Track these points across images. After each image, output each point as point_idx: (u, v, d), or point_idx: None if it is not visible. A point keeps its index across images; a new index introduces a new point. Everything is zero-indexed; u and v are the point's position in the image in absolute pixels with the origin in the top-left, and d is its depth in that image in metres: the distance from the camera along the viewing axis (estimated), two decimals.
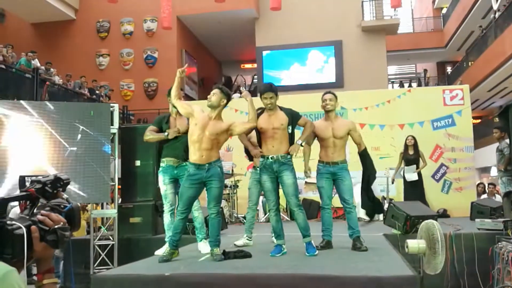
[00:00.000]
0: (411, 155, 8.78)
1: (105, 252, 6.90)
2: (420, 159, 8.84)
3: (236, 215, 9.60)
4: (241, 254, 4.66)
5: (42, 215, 1.20)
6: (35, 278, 1.33)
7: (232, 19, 17.21)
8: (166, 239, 5.25)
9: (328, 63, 17.08)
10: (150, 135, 5.25)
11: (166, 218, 5.22)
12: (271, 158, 4.72)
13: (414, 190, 8.68)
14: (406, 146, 8.86)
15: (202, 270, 4.11)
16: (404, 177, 8.93)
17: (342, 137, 5.19)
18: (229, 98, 4.72)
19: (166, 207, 5.20)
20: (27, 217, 1.20)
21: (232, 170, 9.85)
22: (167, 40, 16.81)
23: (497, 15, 16.19)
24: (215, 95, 4.60)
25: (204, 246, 5.01)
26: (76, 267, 6.99)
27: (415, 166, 8.79)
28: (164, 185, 5.18)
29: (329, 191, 5.19)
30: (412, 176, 8.75)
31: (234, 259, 4.50)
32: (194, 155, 4.52)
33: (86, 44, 17.28)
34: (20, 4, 15.75)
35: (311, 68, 17.10)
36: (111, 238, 7.03)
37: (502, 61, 14.94)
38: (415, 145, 8.82)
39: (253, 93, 18.41)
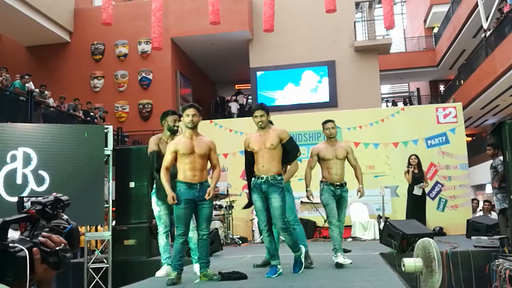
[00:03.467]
0: (416, 174, 8.88)
1: (99, 275, 6.82)
2: (424, 178, 9.01)
3: (231, 236, 9.52)
4: (236, 275, 4.61)
5: (43, 236, 1.19)
6: None
7: (226, 41, 17.35)
8: (163, 261, 5.22)
9: (321, 83, 17.19)
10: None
11: (162, 240, 5.17)
12: (261, 178, 4.70)
13: (418, 206, 8.79)
14: (410, 165, 8.92)
15: None
16: (408, 194, 8.94)
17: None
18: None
19: (161, 229, 5.15)
20: (28, 238, 1.19)
21: (227, 191, 9.81)
22: (161, 61, 16.89)
23: (487, 34, 16.40)
24: (195, 115, 4.55)
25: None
26: None
27: (421, 184, 8.92)
28: (157, 207, 5.13)
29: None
30: (417, 191, 8.83)
31: (229, 281, 4.46)
32: (186, 174, 4.50)
33: (81, 67, 17.33)
34: (15, 27, 15.83)
35: (305, 88, 17.20)
36: (105, 261, 6.96)
37: (493, 79, 15.08)
38: (419, 164, 8.95)
39: (247, 113, 18.47)
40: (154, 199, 5.16)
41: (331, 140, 5.51)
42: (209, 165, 4.72)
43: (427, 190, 9.45)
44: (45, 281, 1.23)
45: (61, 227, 1.25)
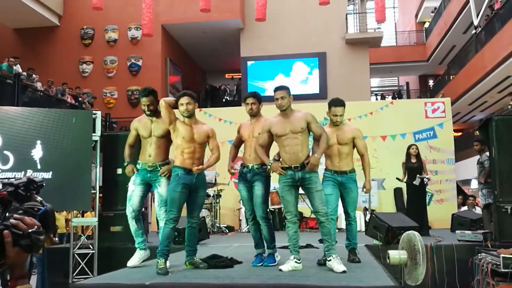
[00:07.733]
0: (413, 163, 8.25)
1: (84, 261, 6.81)
2: (423, 168, 8.38)
3: (218, 225, 9.54)
4: (222, 263, 4.63)
5: (15, 219, 1.16)
6: None
7: (217, 29, 17.24)
8: (137, 245, 4.95)
9: (312, 75, 17.20)
10: (127, 151, 5.08)
11: (132, 225, 4.84)
12: (247, 167, 4.69)
13: (417, 198, 8.28)
14: (409, 155, 8.31)
15: (184, 280, 4.07)
16: (407, 187, 8.46)
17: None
18: (197, 100, 4.65)
19: (128, 210, 4.83)
20: None
21: (215, 180, 9.81)
22: (151, 48, 16.75)
23: (478, 30, 16.51)
24: (190, 104, 4.49)
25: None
26: (55, 276, 6.89)
27: (424, 176, 8.31)
28: (132, 185, 4.85)
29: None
30: (417, 181, 8.20)
31: (215, 269, 4.47)
32: (185, 161, 4.46)
33: (70, 51, 17.13)
34: (3, 9, 15.56)
35: (295, 79, 17.19)
36: (91, 247, 6.94)
37: (482, 75, 15.20)
38: (418, 154, 8.35)
39: (237, 101, 18.43)
40: (132, 177, 4.89)
41: (284, 112, 4.45)
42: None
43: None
44: (17, 264, 1.20)
45: (35, 209, 1.23)
